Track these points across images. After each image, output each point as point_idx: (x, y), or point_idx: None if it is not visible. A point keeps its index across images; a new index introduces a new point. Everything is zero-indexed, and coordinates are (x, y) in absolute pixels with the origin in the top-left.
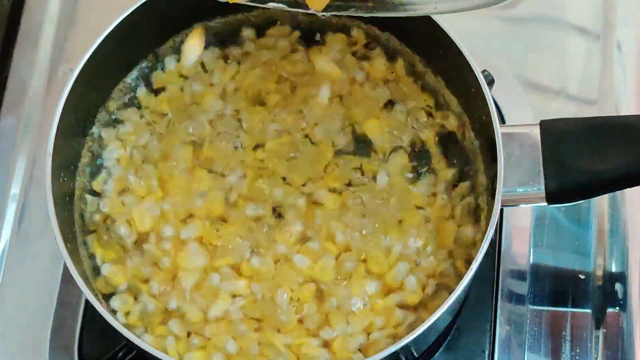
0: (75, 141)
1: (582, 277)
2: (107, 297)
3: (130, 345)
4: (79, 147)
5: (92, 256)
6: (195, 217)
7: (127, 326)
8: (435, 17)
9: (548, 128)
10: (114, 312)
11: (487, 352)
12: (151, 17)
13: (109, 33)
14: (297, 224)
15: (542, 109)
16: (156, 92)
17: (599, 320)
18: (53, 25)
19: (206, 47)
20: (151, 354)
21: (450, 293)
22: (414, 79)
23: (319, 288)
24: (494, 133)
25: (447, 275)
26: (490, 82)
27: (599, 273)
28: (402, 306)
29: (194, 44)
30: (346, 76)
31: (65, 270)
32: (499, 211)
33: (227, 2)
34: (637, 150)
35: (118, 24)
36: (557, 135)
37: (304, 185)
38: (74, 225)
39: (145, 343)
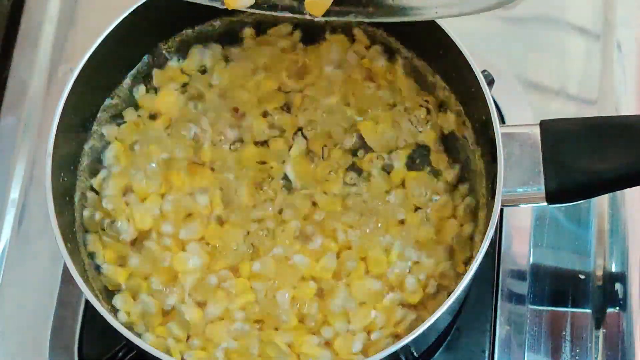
0: (75, 141)
1: (582, 277)
2: (107, 297)
3: (130, 345)
4: (79, 147)
5: (92, 256)
6: (196, 216)
7: (127, 326)
8: None
9: (548, 128)
10: (114, 311)
11: (487, 352)
12: (151, 17)
13: (109, 33)
14: (298, 224)
15: (542, 109)
16: (156, 91)
17: (599, 320)
18: (53, 25)
19: (206, 47)
20: (151, 354)
21: (450, 293)
22: (414, 79)
23: (320, 287)
24: (494, 133)
25: (447, 275)
26: (490, 82)
27: (599, 273)
28: (402, 306)
29: None
30: (346, 76)
31: (65, 270)
32: (499, 211)
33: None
34: (637, 150)
35: (118, 24)
36: (557, 135)
37: (304, 185)
38: (74, 225)
39: (145, 343)
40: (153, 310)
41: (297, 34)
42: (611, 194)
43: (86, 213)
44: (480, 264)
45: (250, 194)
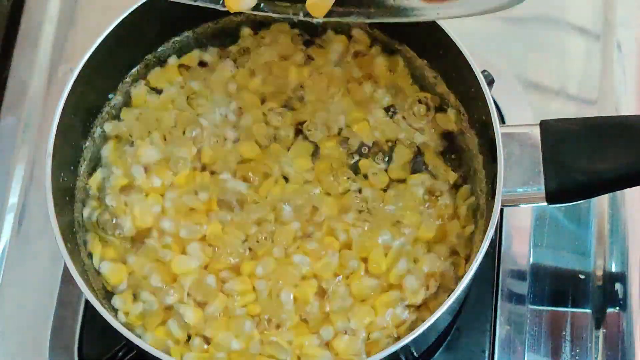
0: (75, 141)
1: (582, 277)
2: (107, 297)
3: (130, 345)
4: (79, 146)
5: (92, 255)
6: (196, 216)
7: (127, 326)
8: None
9: (548, 128)
10: (114, 311)
11: (487, 352)
12: (151, 17)
13: (109, 33)
14: (298, 224)
15: (542, 109)
16: (156, 91)
17: (599, 320)
18: (53, 25)
19: (206, 47)
20: (151, 354)
21: (450, 293)
22: (414, 79)
23: (320, 286)
24: (494, 133)
25: (447, 275)
26: (490, 82)
27: (599, 273)
28: (402, 305)
29: None
30: (346, 76)
31: (65, 270)
32: (499, 211)
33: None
34: (637, 150)
35: (118, 24)
36: (557, 135)
37: (304, 185)
38: (74, 225)
39: (145, 343)
40: (154, 308)
41: (297, 34)
42: (611, 194)
43: (86, 213)
44: (480, 264)
45: (250, 193)
